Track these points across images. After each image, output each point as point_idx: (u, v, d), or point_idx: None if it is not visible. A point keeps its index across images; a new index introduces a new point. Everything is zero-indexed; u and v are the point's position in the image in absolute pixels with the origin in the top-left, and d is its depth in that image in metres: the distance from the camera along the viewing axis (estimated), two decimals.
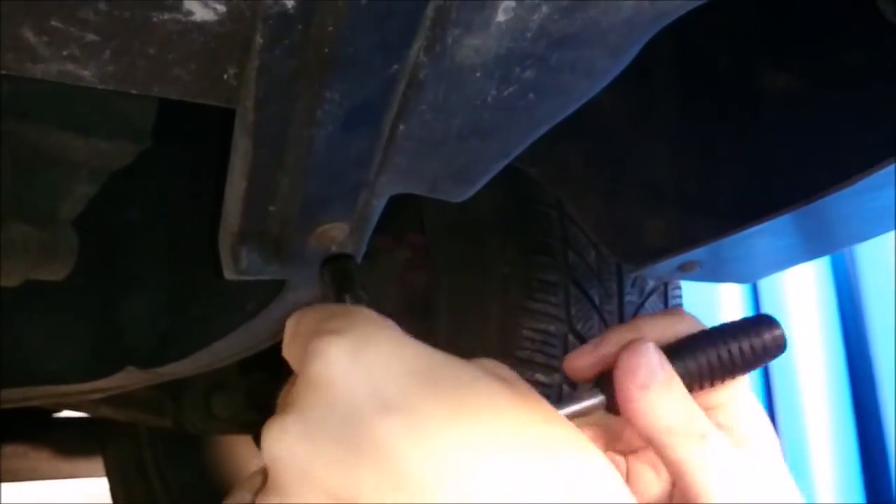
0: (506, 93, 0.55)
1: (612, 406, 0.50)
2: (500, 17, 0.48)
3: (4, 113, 0.72)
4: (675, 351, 0.51)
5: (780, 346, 0.52)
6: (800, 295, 2.65)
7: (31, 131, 0.75)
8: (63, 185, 0.82)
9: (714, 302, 2.67)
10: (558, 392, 1.10)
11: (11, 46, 0.43)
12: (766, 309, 2.69)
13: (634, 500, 0.41)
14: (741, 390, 0.52)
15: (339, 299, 0.56)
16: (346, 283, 0.58)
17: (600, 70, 0.54)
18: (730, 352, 0.50)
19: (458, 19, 0.48)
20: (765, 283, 2.70)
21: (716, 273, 1.14)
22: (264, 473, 0.46)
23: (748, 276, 1.19)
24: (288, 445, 0.42)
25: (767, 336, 0.51)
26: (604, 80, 0.56)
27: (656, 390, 0.47)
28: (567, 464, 0.39)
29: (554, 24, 0.50)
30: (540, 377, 1.11)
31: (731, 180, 1.01)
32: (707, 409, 0.49)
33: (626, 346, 0.49)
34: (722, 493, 0.45)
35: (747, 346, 0.50)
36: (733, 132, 1.02)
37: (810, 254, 1.14)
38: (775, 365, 2.64)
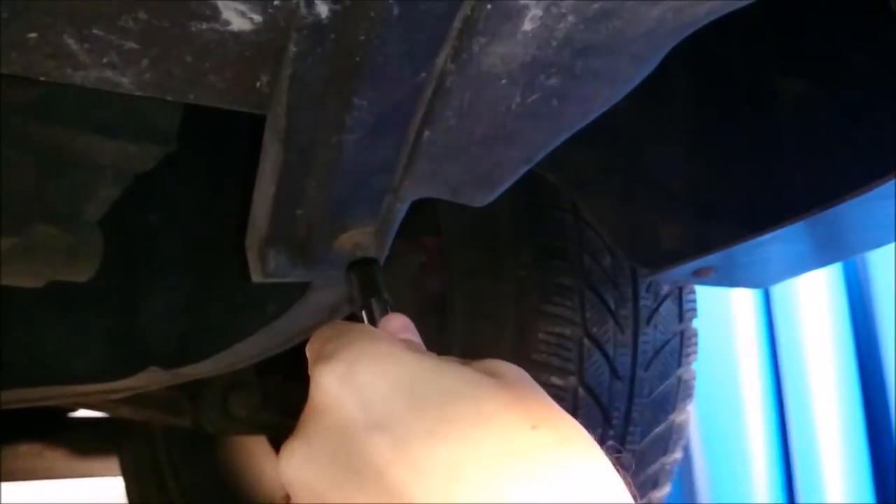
0: (530, 100, 0.56)
1: None
2: (527, 26, 0.49)
3: (33, 116, 0.73)
4: None
5: None
6: (812, 300, 2.65)
7: (59, 134, 0.76)
8: (88, 187, 0.84)
9: (727, 306, 2.67)
10: (573, 395, 1.11)
11: (53, 54, 0.44)
12: (778, 314, 2.69)
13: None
14: None
15: (366, 304, 0.57)
16: (372, 288, 0.59)
17: (623, 78, 0.55)
18: None
19: (486, 28, 0.49)
20: (777, 289, 2.70)
21: (730, 278, 1.14)
22: (287, 498, 0.47)
23: (762, 281, 1.19)
24: (296, 468, 0.44)
25: None
26: (626, 88, 0.57)
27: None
28: (552, 473, 0.39)
29: (579, 34, 0.51)
30: (555, 380, 1.12)
31: (745, 186, 1.02)
32: None
33: None
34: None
35: None
36: (748, 138, 1.03)
37: (824, 260, 1.15)
38: (788, 370, 2.64)
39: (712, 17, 0.52)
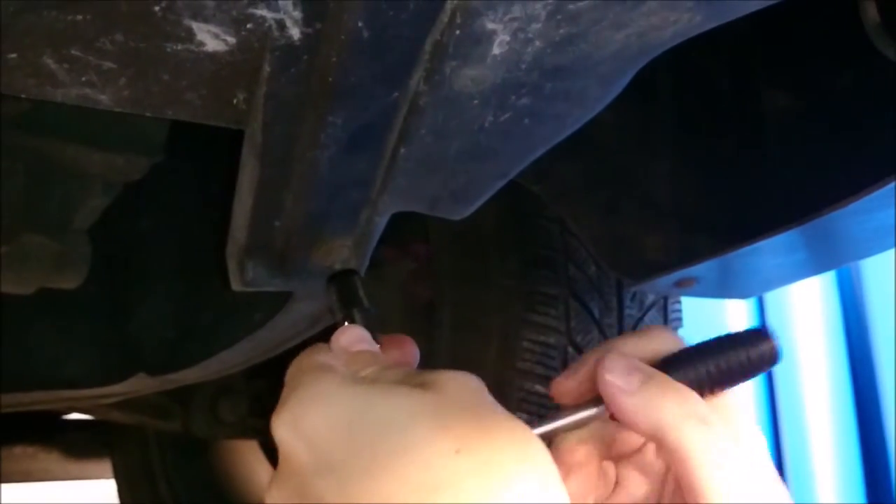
0: (502, 118, 0.57)
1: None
2: (496, 50, 0.51)
3: (23, 128, 0.75)
4: (674, 363, 0.52)
5: (774, 358, 0.53)
6: (805, 307, 2.66)
7: (49, 145, 0.78)
8: (78, 196, 0.85)
9: (720, 313, 2.68)
10: (557, 404, 1.12)
11: (33, 73, 0.46)
12: (771, 321, 2.71)
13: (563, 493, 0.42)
14: (732, 396, 0.53)
15: (347, 315, 0.59)
16: (352, 300, 0.60)
17: (592, 98, 0.57)
18: (727, 363, 0.51)
19: (456, 52, 0.50)
20: (770, 296, 2.71)
21: (714, 289, 1.15)
22: None
23: (746, 292, 1.20)
24: None
25: (762, 348, 0.52)
26: (596, 108, 0.58)
27: (645, 386, 0.49)
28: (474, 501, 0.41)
29: (547, 57, 0.52)
30: (539, 388, 1.13)
31: (729, 198, 1.03)
32: None
33: (601, 358, 0.51)
34: (721, 480, 0.46)
35: (744, 357, 0.51)
36: (732, 150, 1.04)
37: (810, 271, 1.16)
38: (780, 377, 2.66)
39: (677, 41, 0.53)
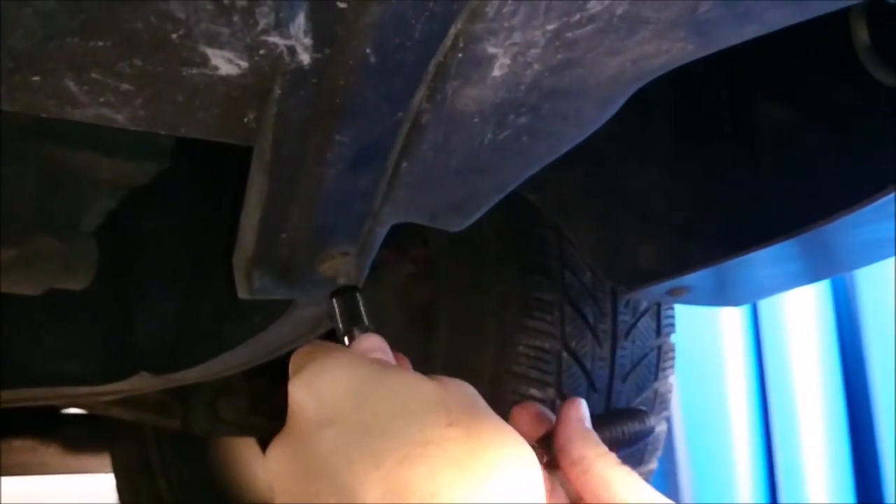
0: (501, 136, 0.60)
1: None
2: (496, 72, 0.53)
3: (35, 135, 0.77)
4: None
5: (649, 432, 0.64)
6: (799, 309, 2.68)
7: (60, 152, 0.80)
8: (85, 200, 0.87)
9: (715, 316, 2.71)
10: (552, 407, 1.14)
11: (54, 94, 0.48)
12: (765, 328, 2.73)
13: (539, 478, 0.48)
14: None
15: (348, 331, 0.61)
16: (353, 316, 0.62)
17: (588, 119, 0.59)
18: (621, 431, 0.62)
19: (458, 74, 0.53)
20: (764, 303, 2.73)
21: (707, 297, 1.17)
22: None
23: (739, 300, 1.23)
24: (271, 465, 0.52)
25: (643, 424, 0.64)
26: (592, 128, 0.60)
27: (589, 430, 0.57)
28: (459, 460, 0.46)
29: (545, 79, 0.54)
30: (534, 392, 1.15)
31: (722, 208, 1.05)
32: None
33: (570, 399, 0.59)
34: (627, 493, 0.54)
35: (627, 430, 0.63)
36: (726, 161, 1.06)
37: (804, 280, 1.17)
38: (773, 382, 2.68)
39: (670, 68, 0.55)
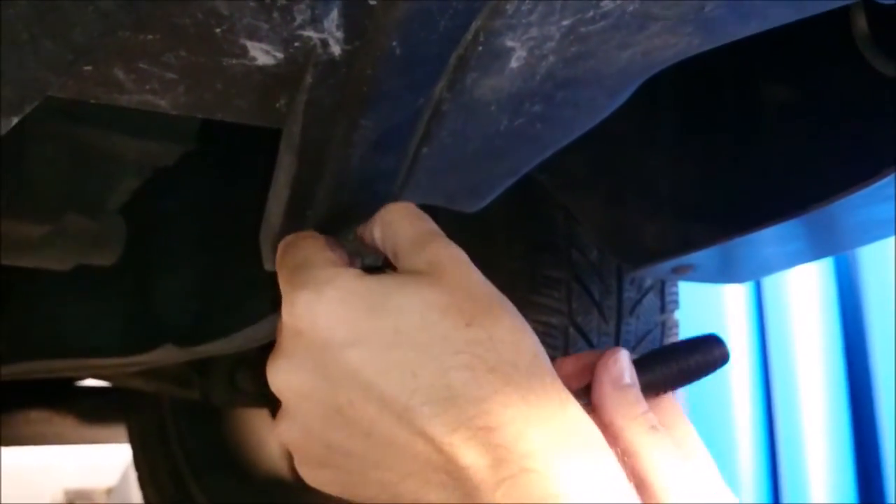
0: (516, 123, 0.63)
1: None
2: (514, 63, 0.57)
3: (68, 118, 0.81)
4: (639, 364, 0.60)
5: (724, 361, 0.61)
6: (802, 295, 2.70)
7: (91, 133, 0.83)
8: (114, 179, 0.91)
9: (718, 297, 2.73)
10: None
11: (103, 82, 0.52)
12: (769, 304, 2.75)
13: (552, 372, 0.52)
14: (674, 399, 0.62)
15: None
16: None
17: (599, 107, 0.63)
18: (679, 367, 0.60)
19: (477, 65, 0.56)
20: (767, 281, 2.75)
21: (711, 275, 1.21)
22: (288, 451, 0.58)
23: (743, 277, 1.26)
24: (283, 379, 0.55)
25: (715, 353, 0.60)
26: (602, 115, 0.64)
27: (624, 389, 0.57)
28: (483, 352, 0.50)
29: (559, 70, 0.58)
30: None
31: (727, 188, 1.08)
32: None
33: (607, 352, 0.58)
34: (663, 469, 0.55)
35: (694, 362, 0.60)
36: (731, 142, 1.09)
37: (807, 258, 1.20)
38: (777, 369, 2.70)
39: (679, 59, 0.59)
